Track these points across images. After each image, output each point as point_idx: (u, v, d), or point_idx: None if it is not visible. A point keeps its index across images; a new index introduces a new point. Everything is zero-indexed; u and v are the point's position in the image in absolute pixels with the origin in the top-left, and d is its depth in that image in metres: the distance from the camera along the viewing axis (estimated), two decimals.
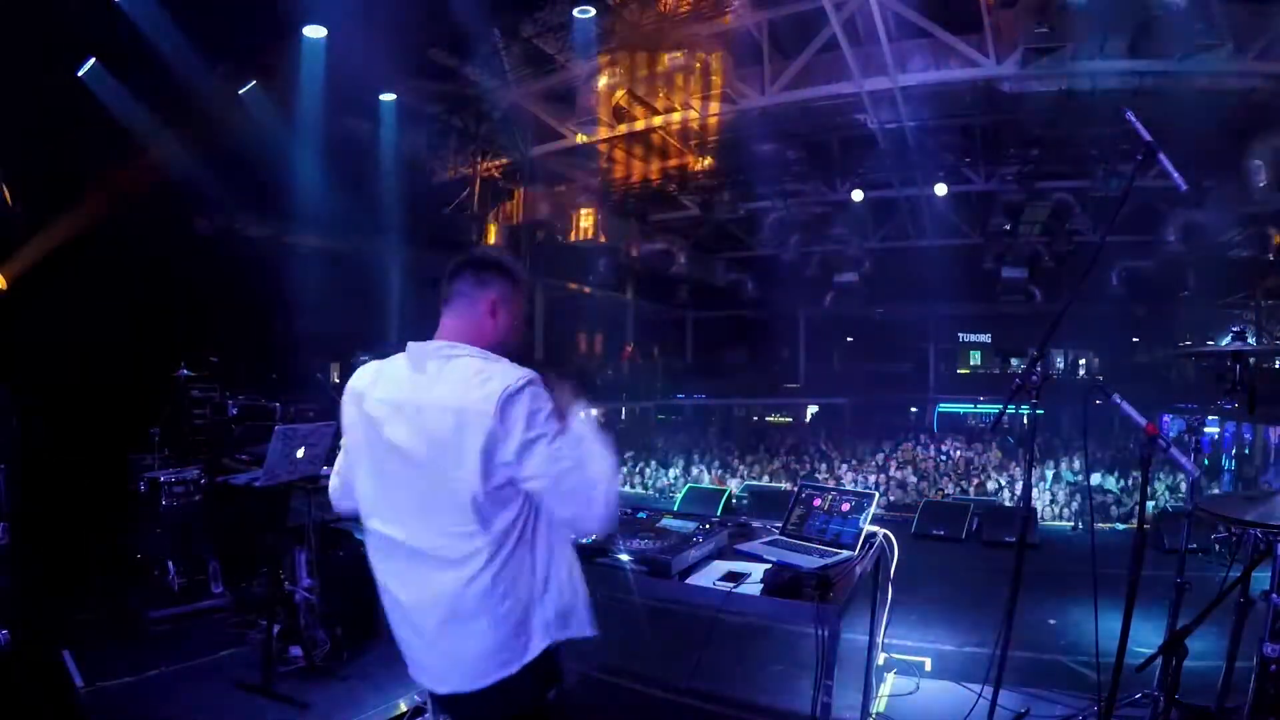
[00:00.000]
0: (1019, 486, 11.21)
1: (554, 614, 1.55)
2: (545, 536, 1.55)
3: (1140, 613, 2.54)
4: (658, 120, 11.13)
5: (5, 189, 5.65)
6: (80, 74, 7.29)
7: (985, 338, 23.12)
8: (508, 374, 1.49)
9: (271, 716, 3.27)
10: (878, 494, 2.99)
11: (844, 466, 14.50)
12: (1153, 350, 19.01)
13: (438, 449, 1.48)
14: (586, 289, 18.25)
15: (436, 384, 1.52)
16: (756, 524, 3.08)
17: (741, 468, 15.05)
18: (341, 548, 4.12)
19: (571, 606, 1.58)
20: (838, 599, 2.24)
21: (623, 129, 11.22)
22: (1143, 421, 2.46)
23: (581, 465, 1.49)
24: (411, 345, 1.61)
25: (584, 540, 1.66)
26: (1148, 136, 2.35)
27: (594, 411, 1.79)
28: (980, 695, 3.14)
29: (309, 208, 12.12)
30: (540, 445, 1.46)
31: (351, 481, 1.69)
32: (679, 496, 9.05)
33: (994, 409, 17.54)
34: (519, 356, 1.62)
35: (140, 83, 7.63)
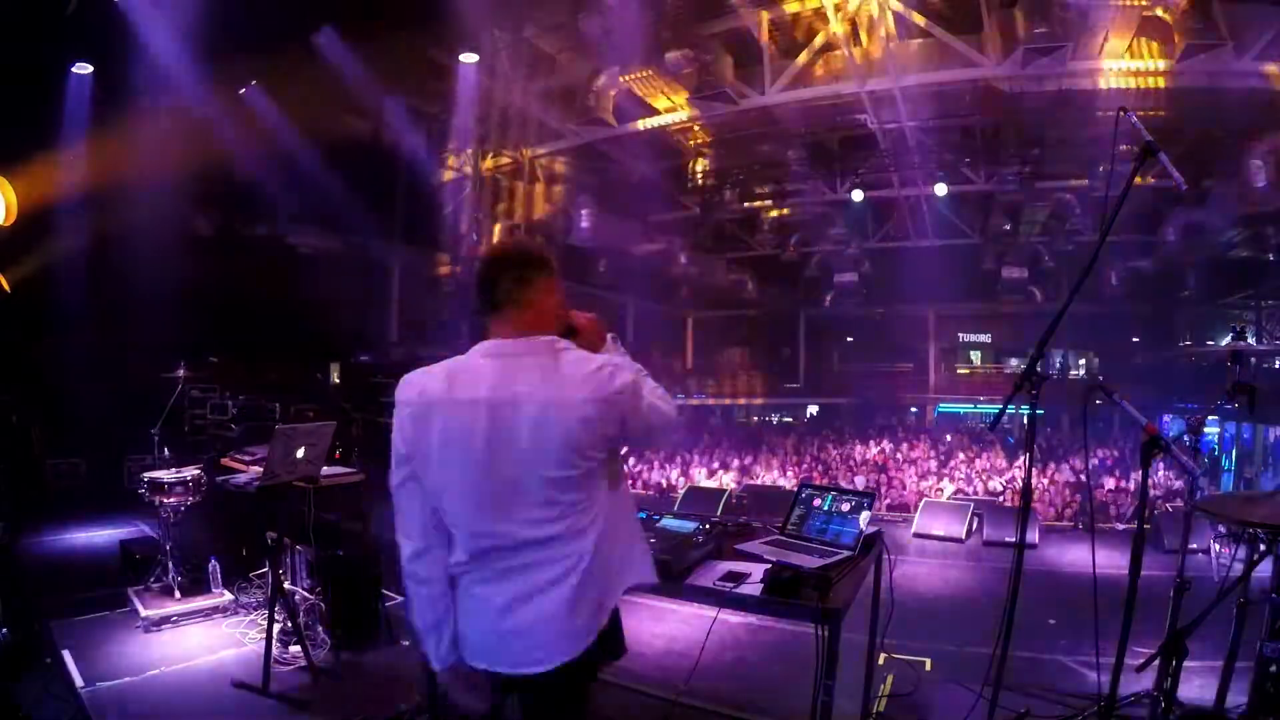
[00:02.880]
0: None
1: (621, 578, 1.67)
2: (612, 500, 1.66)
3: (1140, 613, 2.54)
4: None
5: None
6: (74, 72, 7.28)
7: (985, 338, 23.12)
8: (607, 362, 1.61)
9: (271, 716, 3.27)
10: (877, 494, 3.00)
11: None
12: (1153, 350, 19.02)
13: (544, 439, 1.52)
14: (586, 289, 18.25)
15: (545, 379, 1.55)
16: (756, 524, 3.08)
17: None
18: (341, 548, 4.12)
19: (632, 554, 1.73)
20: (838, 599, 2.24)
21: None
22: (1143, 421, 2.46)
23: (657, 396, 1.70)
24: (491, 344, 1.61)
25: None
26: (1148, 136, 2.35)
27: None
28: (980, 695, 3.13)
29: (309, 208, 12.13)
30: (638, 410, 1.62)
31: (439, 503, 1.59)
32: (679, 496, 9.05)
33: (994, 409, 17.53)
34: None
35: (138, 83, 7.63)
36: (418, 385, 1.60)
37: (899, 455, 15.54)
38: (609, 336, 1.87)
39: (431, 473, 1.57)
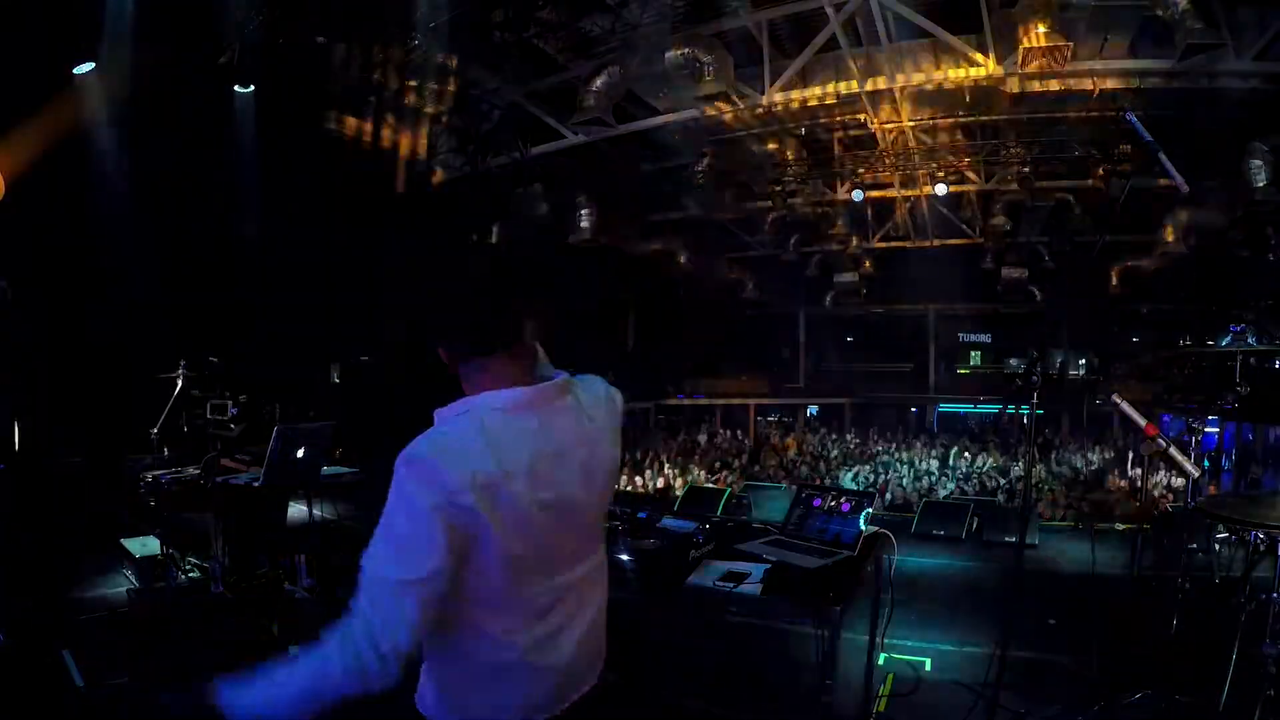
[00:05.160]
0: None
1: None
2: None
3: (1140, 612, 2.54)
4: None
5: None
6: (76, 73, 7.27)
7: (985, 338, 23.12)
8: (598, 380, 1.54)
9: None
10: (877, 494, 3.00)
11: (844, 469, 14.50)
12: (1153, 350, 19.01)
13: (601, 480, 1.48)
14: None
15: (585, 420, 1.43)
16: (756, 524, 3.09)
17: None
18: (341, 548, 4.12)
19: None
20: (838, 599, 2.24)
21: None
22: (1143, 421, 2.46)
23: None
24: (523, 395, 1.33)
25: None
26: (1148, 137, 2.35)
27: None
28: (980, 695, 3.14)
29: (309, 208, 12.13)
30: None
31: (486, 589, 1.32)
32: (679, 496, 9.04)
33: (994, 409, 17.55)
34: None
35: (137, 83, 7.62)
36: (466, 473, 1.23)
37: (898, 455, 15.55)
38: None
39: (495, 559, 1.29)
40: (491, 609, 1.34)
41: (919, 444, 16.35)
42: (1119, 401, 2.50)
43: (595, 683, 1.57)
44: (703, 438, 18.64)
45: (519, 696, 1.38)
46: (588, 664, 1.55)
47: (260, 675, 1.25)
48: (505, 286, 1.33)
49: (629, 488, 13.31)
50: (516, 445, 1.29)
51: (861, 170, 12.68)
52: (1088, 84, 8.81)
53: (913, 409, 22.10)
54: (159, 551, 4.60)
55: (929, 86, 9.50)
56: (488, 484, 1.24)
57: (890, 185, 13.79)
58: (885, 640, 3.01)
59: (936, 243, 16.52)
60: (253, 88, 8.70)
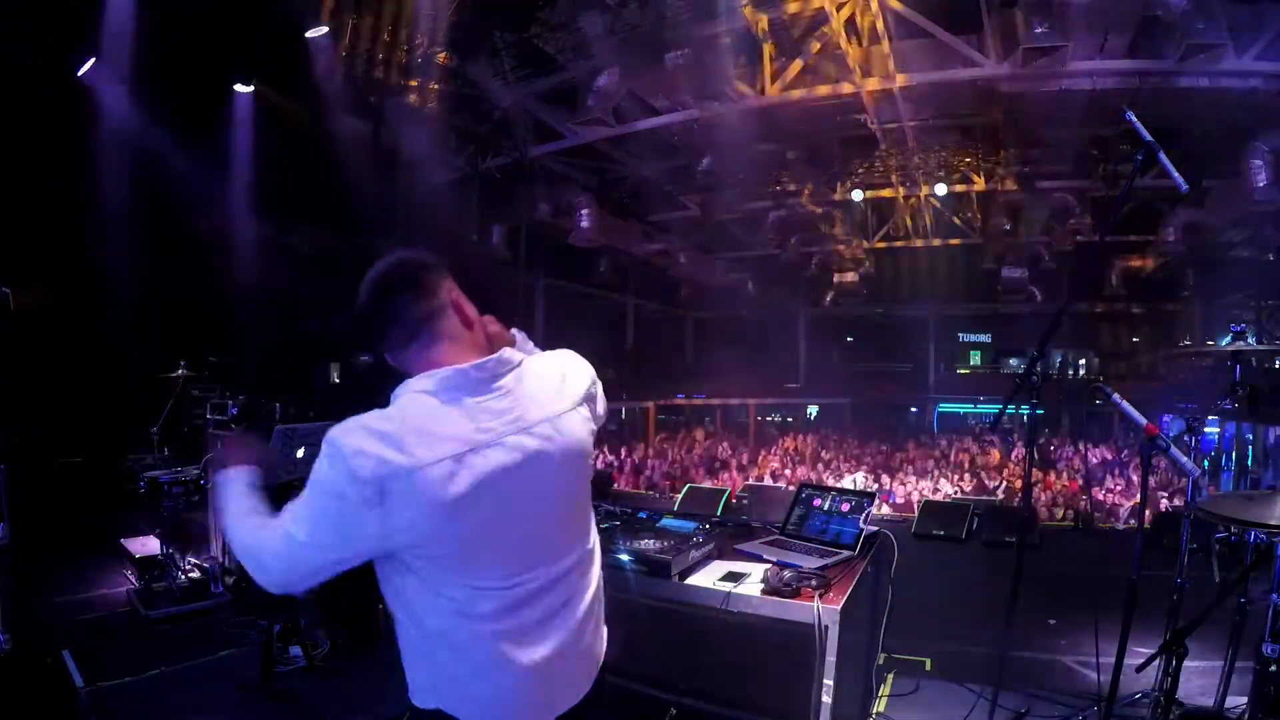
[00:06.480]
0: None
1: None
2: None
3: (1140, 613, 2.54)
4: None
5: None
6: (79, 74, 7.27)
7: (985, 338, 23.14)
8: (564, 353, 1.52)
9: (271, 716, 3.27)
10: (877, 494, 3.01)
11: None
12: (1153, 350, 19.03)
13: (576, 453, 1.41)
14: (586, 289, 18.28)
15: (539, 393, 1.37)
16: (756, 524, 3.09)
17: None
18: None
19: None
20: (838, 599, 2.24)
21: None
22: (1142, 421, 2.46)
23: None
24: (453, 374, 1.31)
25: None
26: (1148, 136, 2.35)
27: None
28: (980, 695, 3.14)
29: (309, 208, 12.13)
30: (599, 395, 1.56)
31: (474, 564, 1.29)
32: (679, 496, 9.03)
33: (994, 409, 17.55)
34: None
35: (138, 82, 7.62)
36: (372, 463, 1.21)
37: (898, 455, 15.54)
38: (514, 333, 1.59)
39: (445, 548, 1.26)
40: (447, 596, 1.28)
41: (916, 444, 16.34)
42: (1119, 401, 2.50)
43: (588, 690, 1.48)
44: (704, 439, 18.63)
45: (500, 692, 1.32)
46: (578, 666, 1.46)
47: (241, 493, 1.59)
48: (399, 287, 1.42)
49: (628, 486, 13.31)
50: (435, 432, 1.24)
51: (861, 170, 12.68)
52: (1087, 84, 8.81)
53: (913, 409, 22.10)
54: (159, 551, 4.60)
55: (929, 86, 9.50)
56: (392, 476, 1.20)
57: (890, 185, 13.79)
58: (885, 640, 3.01)
59: (936, 243, 16.52)
60: (253, 87, 8.70)
